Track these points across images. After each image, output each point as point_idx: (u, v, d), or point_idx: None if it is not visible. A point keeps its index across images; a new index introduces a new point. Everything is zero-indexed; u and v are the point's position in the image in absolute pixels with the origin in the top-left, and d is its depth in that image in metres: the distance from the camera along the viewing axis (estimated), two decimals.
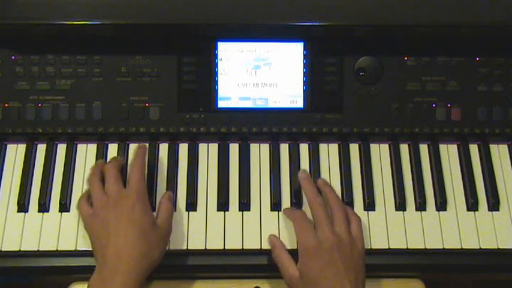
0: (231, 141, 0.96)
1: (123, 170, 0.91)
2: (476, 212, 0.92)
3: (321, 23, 0.88)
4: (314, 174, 0.94)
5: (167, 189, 0.91)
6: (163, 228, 0.83)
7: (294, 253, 0.83)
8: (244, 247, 0.88)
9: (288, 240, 0.88)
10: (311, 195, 0.86)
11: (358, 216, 0.86)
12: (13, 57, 0.94)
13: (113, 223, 0.79)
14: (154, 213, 0.86)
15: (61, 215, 0.90)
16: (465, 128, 0.96)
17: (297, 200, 0.91)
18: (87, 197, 0.86)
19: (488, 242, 0.90)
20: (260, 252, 0.88)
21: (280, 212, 0.91)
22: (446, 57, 0.95)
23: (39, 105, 0.93)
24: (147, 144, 0.94)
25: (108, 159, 0.94)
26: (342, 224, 0.83)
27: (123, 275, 0.76)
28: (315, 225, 0.83)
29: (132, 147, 0.95)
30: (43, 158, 0.94)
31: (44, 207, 0.90)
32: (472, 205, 0.92)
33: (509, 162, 0.96)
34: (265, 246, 0.88)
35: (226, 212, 0.91)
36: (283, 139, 0.96)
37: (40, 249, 0.87)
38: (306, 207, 0.89)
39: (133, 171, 0.85)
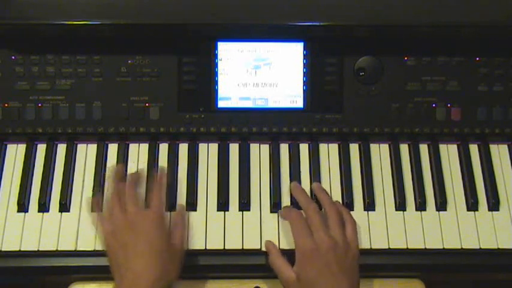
0: (231, 141, 0.96)
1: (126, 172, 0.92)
2: (476, 212, 0.92)
3: (321, 23, 0.88)
4: (314, 174, 0.94)
5: (167, 190, 0.91)
6: (178, 247, 0.84)
7: (293, 253, 0.83)
8: (244, 247, 0.88)
9: (288, 241, 0.88)
10: (304, 203, 0.87)
11: (353, 219, 0.87)
12: (13, 57, 0.94)
13: (131, 246, 0.80)
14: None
15: (61, 215, 0.90)
16: (465, 128, 0.96)
17: (296, 201, 0.91)
18: (109, 214, 0.86)
19: (488, 242, 0.90)
20: (260, 252, 0.88)
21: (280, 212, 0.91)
22: (446, 57, 0.95)
23: (39, 105, 0.93)
24: (145, 153, 0.94)
25: (108, 160, 0.94)
26: (337, 227, 0.84)
27: None
28: (311, 229, 0.83)
29: (132, 147, 0.95)
30: (43, 158, 0.94)
31: (44, 207, 0.90)
32: (472, 205, 0.92)
33: (509, 162, 0.96)
34: (265, 247, 0.88)
35: (226, 212, 0.91)
36: (283, 139, 0.96)
37: (40, 249, 0.87)
38: None
39: (153, 193, 0.86)
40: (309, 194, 0.92)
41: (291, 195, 0.92)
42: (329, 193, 0.92)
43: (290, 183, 0.93)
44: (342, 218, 0.86)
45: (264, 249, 0.88)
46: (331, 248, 0.80)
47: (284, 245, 0.88)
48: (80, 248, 0.88)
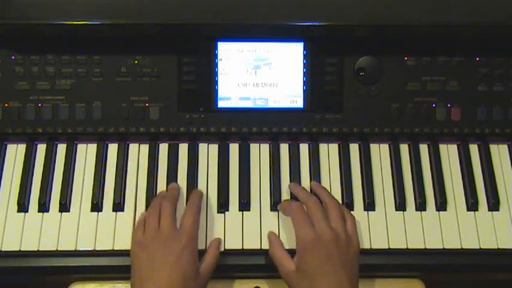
0: (231, 141, 0.96)
1: (126, 172, 0.93)
2: (476, 212, 0.92)
3: (321, 23, 0.88)
4: (314, 174, 0.94)
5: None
6: (204, 276, 0.83)
7: (293, 253, 0.83)
8: (244, 247, 0.88)
9: (288, 240, 0.88)
10: (304, 197, 0.87)
11: (353, 216, 0.87)
12: (13, 57, 0.94)
13: (158, 261, 0.80)
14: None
15: (61, 215, 0.90)
16: (465, 128, 0.96)
17: (296, 200, 0.91)
18: (143, 225, 0.85)
19: (488, 242, 0.90)
20: (260, 252, 0.88)
21: (280, 212, 0.91)
22: (446, 57, 0.95)
23: (39, 105, 0.93)
24: (145, 153, 0.94)
25: (108, 160, 0.94)
26: (338, 221, 0.83)
27: None
28: (312, 221, 0.83)
29: (132, 147, 0.95)
30: (43, 158, 0.94)
31: (44, 207, 0.90)
32: (472, 205, 0.92)
33: (509, 162, 0.97)
34: (265, 246, 0.88)
35: (226, 212, 0.91)
36: (283, 139, 0.96)
37: (40, 249, 0.87)
38: None
39: (188, 214, 0.85)
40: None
41: (291, 195, 0.92)
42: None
43: (290, 182, 0.93)
44: (343, 212, 0.86)
45: (264, 247, 0.88)
46: (332, 239, 0.80)
47: (284, 245, 0.88)
48: (80, 248, 0.88)
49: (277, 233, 0.89)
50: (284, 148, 0.96)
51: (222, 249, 0.88)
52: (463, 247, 0.90)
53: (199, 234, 0.88)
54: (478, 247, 0.90)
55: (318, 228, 0.81)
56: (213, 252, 0.86)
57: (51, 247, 0.88)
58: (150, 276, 0.79)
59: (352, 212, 0.90)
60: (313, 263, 0.79)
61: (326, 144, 0.97)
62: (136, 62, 0.94)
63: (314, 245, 0.80)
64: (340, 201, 0.92)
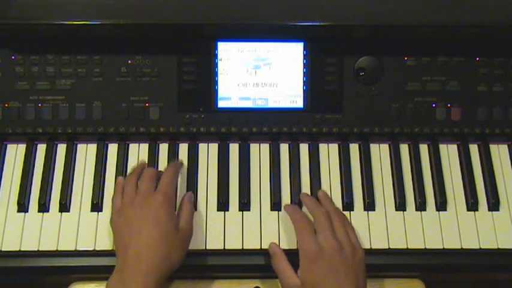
0: (231, 141, 0.96)
1: (126, 173, 0.93)
2: (476, 212, 0.92)
3: (321, 23, 0.88)
4: (314, 174, 0.94)
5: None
6: (185, 231, 0.84)
7: (294, 253, 0.83)
8: (244, 247, 0.88)
9: (288, 241, 0.88)
10: (312, 204, 0.87)
11: (353, 227, 0.87)
12: (13, 57, 0.94)
13: (136, 222, 0.80)
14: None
15: (61, 215, 0.90)
16: (465, 128, 0.96)
17: (297, 200, 0.91)
18: (121, 191, 0.86)
19: (488, 242, 0.90)
20: (260, 252, 0.88)
21: (280, 212, 0.91)
22: (446, 57, 0.95)
23: (39, 105, 0.93)
24: (145, 153, 0.94)
25: (108, 160, 0.94)
26: (342, 231, 0.83)
27: (142, 277, 0.76)
28: (316, 230, 0.83)
29: (132, 147, 0.95)
30: (43, 158, 0.94)
31: (44, 207, 0.90)
32: (472, 205, 0.92)
33: (509, 162, 0.97)
34: (265, 246, 0.88)
35: (226, 212, 0.91)
36: (283, 139, 0.96)
37: (40, 249, 0.87)
38: (306, 209, 0.89)
39: (165, 174, 0.86)
40: (309, 192, 0.92)
41: (291, 195, 0.92)
42: (329, 193, 0.92)
43: (290, 183, 0.93)
44: (345, 222, 0.86)
45: (264, 247, 0.88)
46: (336, 250, 0.79)
47: (284, 245, 0.88)
48: (80, 248, 0.88)
49: (277, 233, 0.89)
50: (284, 148, 0.96)
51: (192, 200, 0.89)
52: (463, 247, 0.90)
53: (198, 234, 0.88)
54: (478, 247, 0.90)
55: (322, 238, 0.81)
56: (187, 207, 0.87)
57: (51, 247, 0.88)
58: (129, 241, 0.79)
59: (352, 212, 0.91)
60: (317, 274, 0.78)
61: (326, 144, 0.97)
62: (136, 62, 0.94)
63: (317, 256, 0.79)
64: (340, 202, 0.92)
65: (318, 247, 0.80)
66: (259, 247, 0.88)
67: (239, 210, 0.91)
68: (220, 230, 0.89)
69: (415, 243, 0.89)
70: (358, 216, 0.90)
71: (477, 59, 0.96)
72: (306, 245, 0.81)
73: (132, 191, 0.84)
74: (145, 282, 0.76)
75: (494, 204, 0.92)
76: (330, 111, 0.95)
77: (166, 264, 0.78)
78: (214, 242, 0.89)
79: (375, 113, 0.95)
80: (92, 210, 0.91)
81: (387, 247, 0.89)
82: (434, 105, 0.96)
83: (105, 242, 0.88)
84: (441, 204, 0.92)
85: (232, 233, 0.89)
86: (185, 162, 0.94)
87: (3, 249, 0.87)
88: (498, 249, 0.90)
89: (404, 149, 0.97)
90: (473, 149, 0.97)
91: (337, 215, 0.86)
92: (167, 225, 0.80)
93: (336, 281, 0.78)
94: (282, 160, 0.95)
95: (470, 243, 0.90)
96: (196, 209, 0.91)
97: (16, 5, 0.87)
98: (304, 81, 0.95)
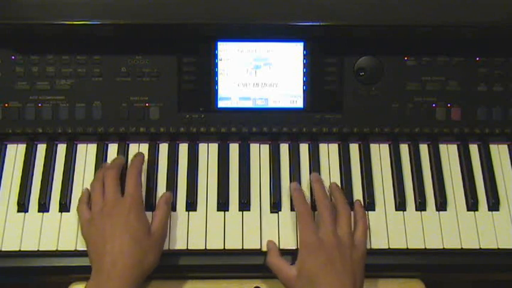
0: (231, 141, 0.96)
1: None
2: (476, 212, 0.92)
3: (321, 23, 0.88)
4: None
5: (167, 189, 0.91)
6: (157, 234, 0.84)
7: (293, 253, 0.83)
8: (244, 247, 0.88)
9: (288, 240, 0.88)
10: (320, 196, 0.87)
11: (366, 223, 0.87)
12: (13, 57, 0.94)
13: (108, 231, 0.81)
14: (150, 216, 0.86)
15: (61, 215, 0.90)
16: (465, 128, 0.96)
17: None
18: (87, 200, 0.87)
19: (488, 242, 0.90)
20: (260, 252, 0.88)
21: (280, 212, 0.91)
22: (446, 57, 0.95)
23: (39, 105, 0.93)
24: (145, 153, 0.94)
25: (108, 160, 0.94)
26: (346, 228, 0.83)
27: (117, 283, 0.77)
28: (318, 224, 0.84)
29: (132, 147, 0.95)
30: (43, 158, 0.94)
31: (44, 207, 0.90)
32: (472, 205, 0.92)
33: (509, 162, 0.96)
34: (265, 246, 0.88)
35: (226, 212, 0.91)
36: (283, 139, 0.96)
37: (40, 249, 0.87)
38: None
39: (129, 178, 0.86)
40: (308, 191, 0.92)
41: (291, 195, 0.92)
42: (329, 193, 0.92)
43: (290, 183, 0.93)
44: (356, 220, 0.86)
45: (264, 249, 0.88)
46: (334, 245, 0.80)
47: (284, 245, 0.88)
48: (80, 248, 0.88)
49: (277, 233, 0.89)
50: (284, 148, 0.96)
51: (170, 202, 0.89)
52: (463, 247, 0.90)
53: (198, 234, 0.88)
54: (478, 247, 0.90)
55: (322, 232, 0.82)
56: (162, 209, 0.87)
57: (51, 247, 0.88)
58: (103, 250, 0.79)
59: (352, 211, 0.90)
60: (314, 265, 0.79)
61: (326, 144, 0.97)
62: (136, 62, 0.94)
63: (315, 247, 0.80)
64: None
65: (317, 239, 0.81)
66: (259, 247, 0.88)
67: (239, 210, 0.91)
68: (220, 230, 0.89)
69: (415, 243, 0.89)
70: None
71: (477, 59, 0.96)
72: (306, 237, 0.82)
73: (99, 198, 0.85)
74: (120, 286, 0.77)
75: (494, 204, 0.92)
76: (330, 111, 0.95)
77: (139, 269, 0.79)
78: (214, 242, 0.89)
79: (375, 113, 0.95)
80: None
81: (387, 247, 0.89)
82: (434, 105, 0.96)
83: None
84: (441, 204, 0.92)
85: (232, 233, 0.89)
86: (185, 162, 0.94)
87: (3, 249, 0.87)
88: (498, 249, 0.90)
89: (404, 149, 0.97)
90: (473, 149, 0.97)
91: (345, 209, 0.86)
92: (138, 230, 0.81)
93: (333, 274, 0.78)
94: (282, 160, 0.95)
95: (470, 243, 0.90)
96: (196, 209, 0.91)
97: (16, 5, 0.87)
98: (304, 81, 0.95)
